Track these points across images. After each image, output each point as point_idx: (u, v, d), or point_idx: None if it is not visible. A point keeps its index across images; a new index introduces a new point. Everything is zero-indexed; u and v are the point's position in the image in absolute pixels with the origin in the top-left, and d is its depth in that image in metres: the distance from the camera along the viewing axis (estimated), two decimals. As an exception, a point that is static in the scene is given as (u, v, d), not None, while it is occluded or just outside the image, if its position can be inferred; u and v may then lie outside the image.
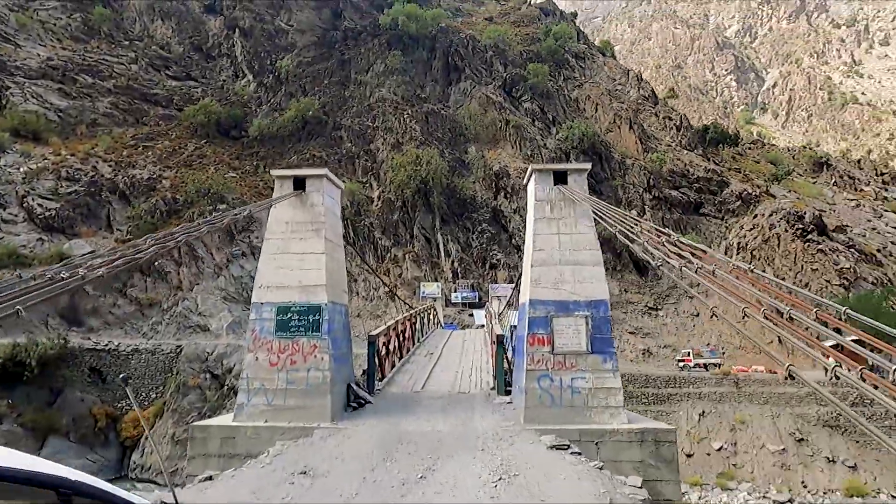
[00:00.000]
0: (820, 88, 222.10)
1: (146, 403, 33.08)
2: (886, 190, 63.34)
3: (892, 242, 51.59)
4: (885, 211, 58.73)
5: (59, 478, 0.76)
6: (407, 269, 47.35)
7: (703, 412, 32.67)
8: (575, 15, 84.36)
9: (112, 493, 1.07)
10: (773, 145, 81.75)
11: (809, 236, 41.02)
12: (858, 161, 68.29)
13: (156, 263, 40.70)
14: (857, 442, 29.87)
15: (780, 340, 44.33)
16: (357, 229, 49.64)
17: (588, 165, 9.55)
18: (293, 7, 61.99)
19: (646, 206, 52.92)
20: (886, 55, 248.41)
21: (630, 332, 44.17)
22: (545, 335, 8.26)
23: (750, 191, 53.00)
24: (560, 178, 9.18)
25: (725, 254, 49.59)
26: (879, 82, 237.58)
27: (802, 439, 30.23)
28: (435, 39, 62.12)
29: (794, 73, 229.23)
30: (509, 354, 10.12)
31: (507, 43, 63.85)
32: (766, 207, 49.43)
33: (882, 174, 65.01)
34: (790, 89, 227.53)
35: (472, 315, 43.52)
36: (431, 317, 24.25)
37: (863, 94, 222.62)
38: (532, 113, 58.64)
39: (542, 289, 8.58)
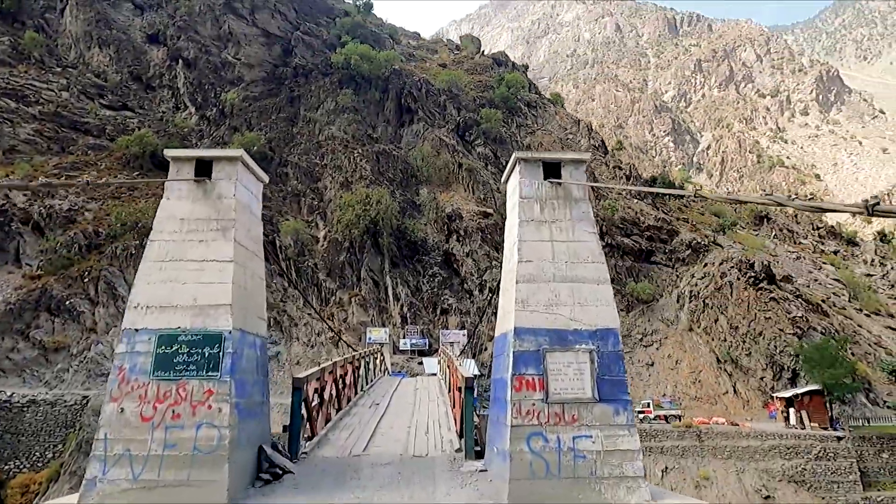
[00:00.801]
0: (749, 151, 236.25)
1: (40, 465, 28.27)
2: (823, 243, 65.55)
3: (834, 294, 52.60)
4: (824, 263, 60.40)
5: None
6: (353, 314, 44.35)
7: (666, 468, 30.75)
8: (526, 67, 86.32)
9: None
10: (715, 200, 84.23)
11: (761, 284, 40.93)
12: (795, 215, 71.11)
13: (67, 302, 36.16)
14: (823, 498, 28.52)
15: (735, 391, 43.26)
16: (300, 270, 46.52)
17: (588, 155, 7.48)
18: (241, 41, 60.14)
19: (599, 253, 52.28)
20: (806, 124, 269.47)
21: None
22: (536, 377, 5.99)
23: (699, 240, 53.39)
24: (552, 170, 7.06)
25: (677, 302, 49.19)
26: (801, 148, 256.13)
27: (769, 496, 28.63)
28: (388, 81, 61.35)
29: (725, 136, 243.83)
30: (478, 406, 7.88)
31: (460, 88, 63.85)
32: (717, 256, 49.67)
33: (818, 228, 67.52)
34: (722, 151, 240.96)
35: (421, 363, 40.74)
36: (378, 362, 21.44)
37: (788, 157, 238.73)
38: (485, 157, 58.01)
39: (532, 313, 6.34)
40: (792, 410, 32.15)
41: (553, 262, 6.60)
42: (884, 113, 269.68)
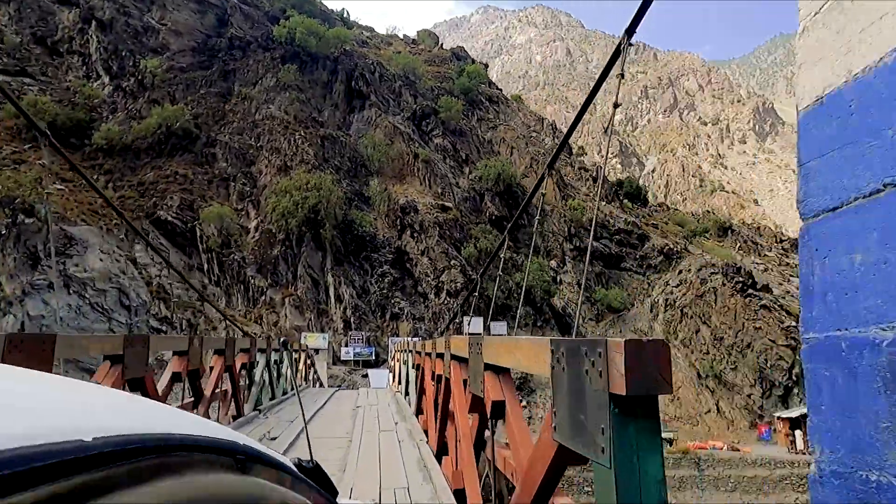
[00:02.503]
0: (692, 176, 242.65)
1: None
2: (787, 256, 63.35)
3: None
4: (791, 276, 57.93)
5: (233, 442, 0.65)
6: (286, 317, 37.37)
7: (662, 503, 25.41)
8: (487, 65, 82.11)
9: (277, 458, 0.86)
10: (678, 209, 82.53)
11: (749, 291, 36.86)
12: (758, 228, 69.20)
13: None
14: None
15: (718, 409, 38.63)
16: (225, 265, 39.21)
17: None
18: (168, 4, 52.60)
19: (566, 257, 47.53)
20: (744, 151, 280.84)
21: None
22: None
23: (671, 246, 49.44)
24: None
25: (650, 311, 44.78)
26: (740, 174, 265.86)
27: (785, 538, 23.73)
28: (337, 61, 55.16)
29: (669, 160, 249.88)
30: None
31: (417, 75, 58.41)
32: (692, 262, 45.74)
33: (781, 241, 65.57)
34: (667, 175, 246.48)
35: (366, 376, 34.22)
36: (304, 366, 14.93)
37: (728, 182, 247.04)
38: (443, 149, 52.51)
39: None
40: (798, 433, 27.66)
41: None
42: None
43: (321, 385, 20.77)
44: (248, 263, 39.43)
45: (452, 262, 41.34)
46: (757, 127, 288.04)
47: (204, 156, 45.30)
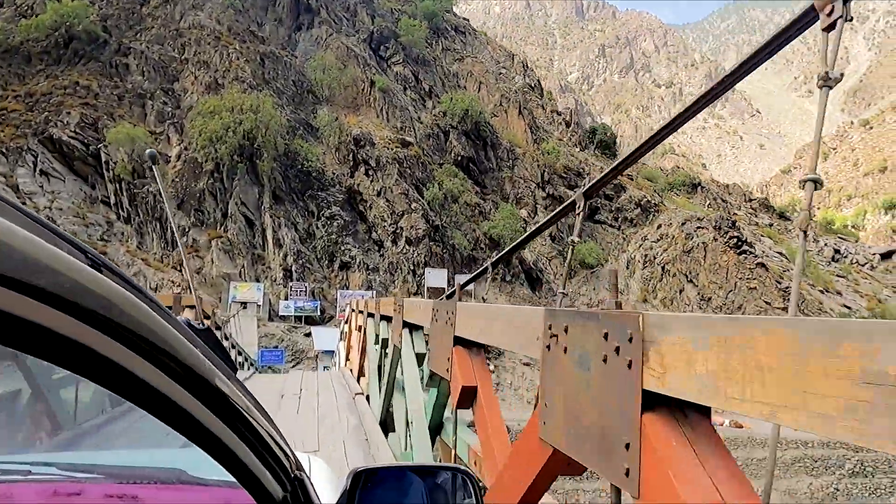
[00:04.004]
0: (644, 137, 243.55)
1: None
2: (756, 215, 61.18)
3: (782, 269, 47.18)
4: (762, 236, 55.71)
5: None
6: (213, 262, 31.15)
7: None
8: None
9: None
10: (644, 164, 79.37)
11: (745, 248, 33.31)
12: (727, 186, 66.77)
13: None
14: (861, 529, 20.92)
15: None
16: (137, 198, 32.30)
17: None
18: None
19: (538, 206, 42.88)
20: (695, 116, 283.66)
21: (525, 364, 32.59)
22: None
23: (649, 198, 45.56)
24: None
25: (627, 268, 41.02)
26: (691, 138, 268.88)
27: (802, 530, 20.48)
28: (282, -32, 47.03)
29: (623, 121, 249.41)
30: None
31: (376, -7, 51.01)
32: (674, 216, 42.05)
33: (750, 200, 63.38)
34: (620, 136, 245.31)
35: (309, 335, 28.76)
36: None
37: (678, 146, 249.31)
38: (404, 79, 46.08)
39: None
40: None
41: None
42: (760, 113, 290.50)
43: (244, 364, 15.18)
44: (167, 197, 32.62)
45: (413, 205, 35.84)
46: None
47: (114, 66, 37.26)
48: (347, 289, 32.97)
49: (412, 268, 34.80)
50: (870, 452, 22.16)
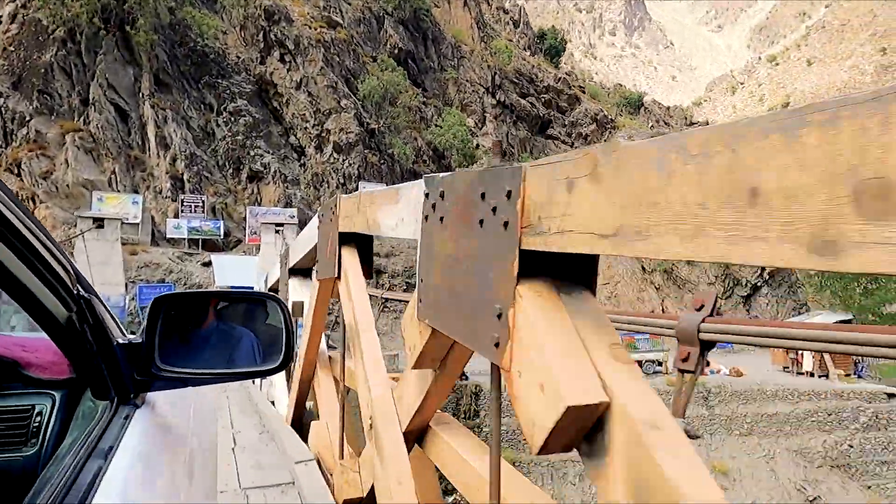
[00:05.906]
0: (564, 63, 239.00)
1: None
2: (697, 141, 58.89)
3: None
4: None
5: None
6: (69, 164, 22.77)
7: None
8: None
9: None
10: (592, 81, 74.96)
11: (725, 167, 29.51)
12: (668, 108, 63.91)
13: None
14: (870, 487, 18.47)
15: (663, 310, 32.37)
16: (-53, 70, 22.70)
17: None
18: None
19: (487, 115, 36.90)
20: (613, 44, 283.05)
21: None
22: None
23: (605, 112, 40.87)
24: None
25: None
26: (608, 66, 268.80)
27: (815, 499, 17.54)
28: None
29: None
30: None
31: None
32: (633, 132, 37.74)
33: (691, 124, 60.92)
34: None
35: (209, 264, 21.72)
36: None
37: (596, 73, 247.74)
38: (327, -53, 36.97)
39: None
40: (807, 352, 21.49)
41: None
42: (673, 45, 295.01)
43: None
44: (-3, 72, 23.31)
45: (343, 102, 28.61)
46: (627, 20, 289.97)
47: None
48: (259, 205, 25.91)
49: (342, 181, 28.13)
50: (883, 403, 19.59)
